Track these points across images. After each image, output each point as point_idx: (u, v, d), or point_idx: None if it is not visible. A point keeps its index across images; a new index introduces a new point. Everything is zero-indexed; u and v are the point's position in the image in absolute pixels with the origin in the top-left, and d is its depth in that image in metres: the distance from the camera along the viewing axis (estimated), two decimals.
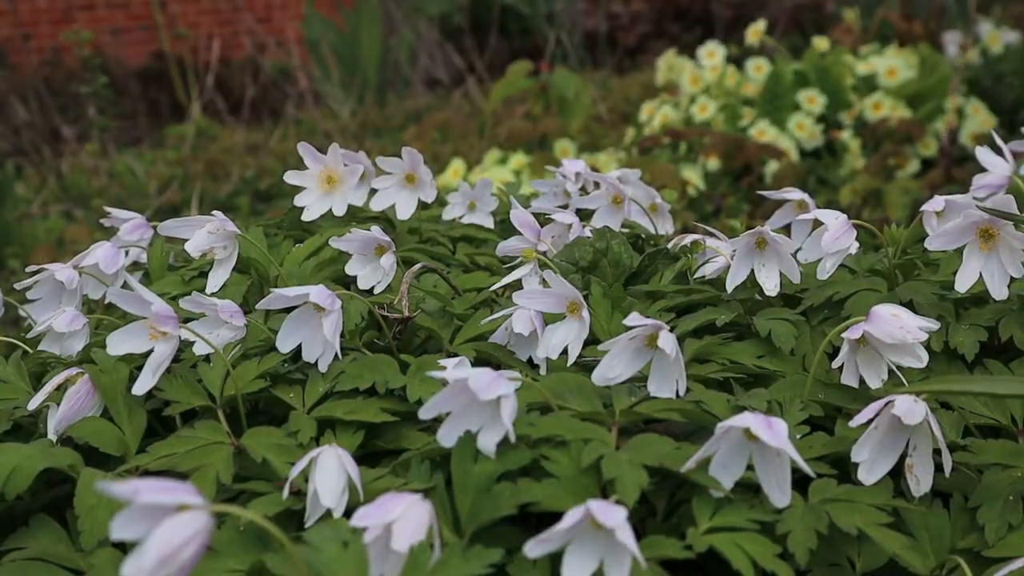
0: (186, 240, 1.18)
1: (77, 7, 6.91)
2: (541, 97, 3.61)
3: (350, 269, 1.19)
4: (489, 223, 1.43)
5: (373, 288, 1.17)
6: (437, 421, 0.85)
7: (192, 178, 4.11)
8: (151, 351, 0.96)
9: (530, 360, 1.04)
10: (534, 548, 0.72)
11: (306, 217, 1.33)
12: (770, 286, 1.09)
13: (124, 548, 0.84)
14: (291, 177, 1.34)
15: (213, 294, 1.16)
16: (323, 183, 1.34)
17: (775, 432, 0.78)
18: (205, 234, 1.17)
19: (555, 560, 0.75)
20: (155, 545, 0.61)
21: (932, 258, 1.20)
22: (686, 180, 2.93)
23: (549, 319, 1.03)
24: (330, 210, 1.35)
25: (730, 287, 1.10)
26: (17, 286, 1.21)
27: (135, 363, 1.00)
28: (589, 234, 1.21)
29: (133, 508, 0.62)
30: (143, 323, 0.95)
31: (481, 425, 0.83)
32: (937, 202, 1.14)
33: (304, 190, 1.34)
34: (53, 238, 3.53)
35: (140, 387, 0.96)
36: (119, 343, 0.96)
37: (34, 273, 1.21)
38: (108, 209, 1.34)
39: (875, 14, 4.12)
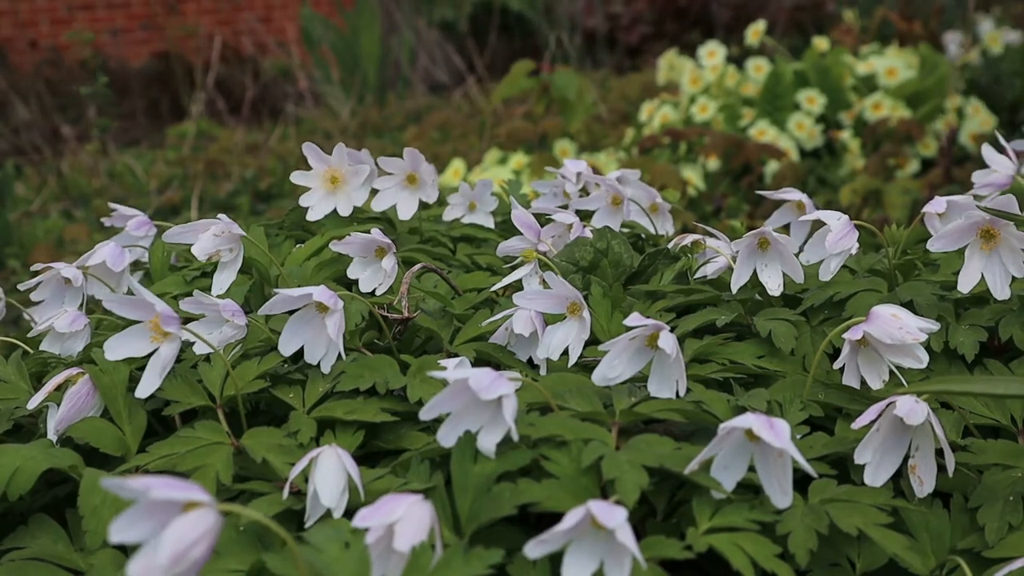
0: (190, 245, 1.17)
1: (77, 7, 6.91)
2: (543, 97, 3.61)
3: (351, 272, 1.19)
4: (489, 223, 1.43)
5: (375, 290, 1.17)
6: (437, 421, 0.85)
7: (192, 178, 4.10)
8: (150, 354, 0.96)
9: (530, 361, 1.04)
10: (534, 549, 0.72)
11: (311, 217, 1.33)
12: (773, 287, 1.09)
13: (125, 548, 0.84)
14: (296, 177, 1.34)
15: (217, 295, 1.16)
16: (327, 183, 1.34)
17: (777, 432, 0.78)
18: (211, 237, 1.16)
19: (555, 560, 0.74)
20: (169, 543, 0.61)
21: (932, 258, 1.20)
22: (686, 180, 2.93)
23: (549, 319, 1.03)
24: (333, 210, 1.35)
25: (734, 288, 1.10)
26: (21, 287, 1.21)
27: (135, 364, 1.00)
28: (589, 234, 1.21)
29: (134, 510, 0.62)
30: (141, 327, 0.95)
31: (481, 425, 0.83)
32: (939, 203, 1.14)
33: (308, 190, 1.34)
34: (53, 238, 3.53)
35: (144, 390, 0.95)
36: (117, 347, 0.95)
37: (38, 273, 1.20)
38: (112, 205, 1.34)
39: (875, 14, 4.13)
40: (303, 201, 1.34)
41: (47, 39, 6.64)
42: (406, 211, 1.37)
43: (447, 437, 0.84)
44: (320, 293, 0.96)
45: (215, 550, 0.80)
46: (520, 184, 1.52)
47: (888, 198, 2.84)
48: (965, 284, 1.04)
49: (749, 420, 0.78)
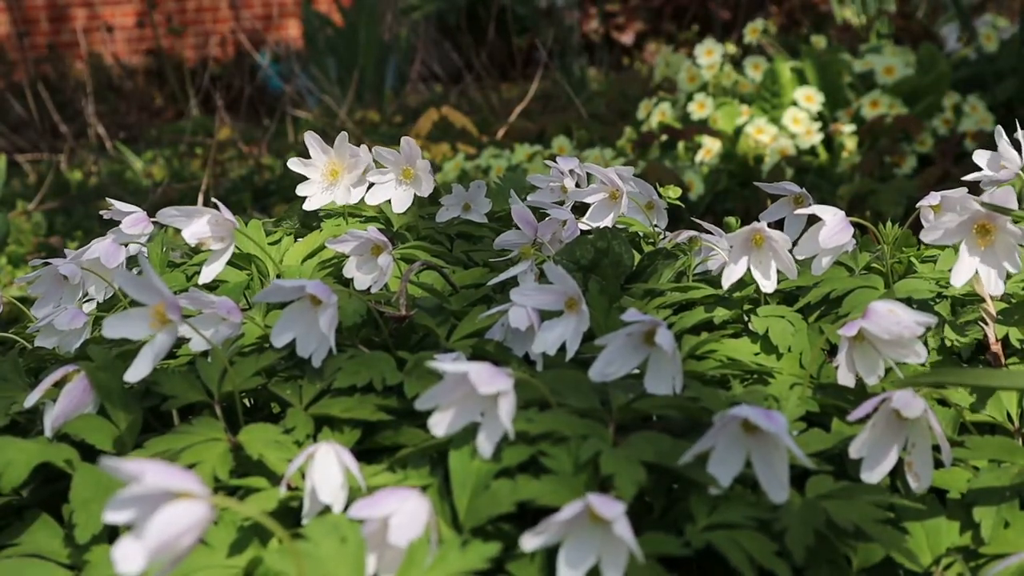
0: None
1: (76, 4, 6.90)
2: None
3: (347, 272, 1.19)
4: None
5: (370, 288, 1.17)
6: None
7: (190, 176, 4.10)
8: (145, 342, 0.95)
9: (526, 357, 1.04)
10: (530, 540, 0.72)
11: (307, 207, 1.33)
12: (766, 283, 1.09)
13: None
14: (295, 164, 1.33)
15: (211, 289, 1.16)
16: (327, 175, 1.34)
17: (774, 420, 0.78)
18: (204, 223, 1.16)
19: (553, 558, 0.74)
20: (155, 530, 0.60)
21: (929, 256, 1.20)
22: (684, 178, 2.93)
23: (546, 315, 1.03)
24: (331, 205, 1.34)
25: (726, 284, 1.10)
26: (17, 281, 1.21)
27: (132, 361, 0.99)
28: (581, 229, 1.21)
29: (130, 492, 0.62)
30: (142, 310, 0.94)
31: (476, 418, 0.83)
32: (933, 197, 1.14)
33: (307, 180, 1.34)
34: (51, 236, 3.53)
35: (134, 374, 0.93)
36: (116, 326, 0.93)
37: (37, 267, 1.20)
38: (111, 201, 1.33)
39: (873, 11, 4.12)
40: (301, 191, 1.33)
41: (46, 36, 6.64)
42: (400, 205, 1.36)
43: (439, 424, 0.83)
44: (314, 286, 0.96)
45: (212, 545, 0.80)
46: (519, 176, 1.52)
47: (885, 195, 2.85)
48: (958, 279, 1.03)
49: (745, 410, 0.78)
